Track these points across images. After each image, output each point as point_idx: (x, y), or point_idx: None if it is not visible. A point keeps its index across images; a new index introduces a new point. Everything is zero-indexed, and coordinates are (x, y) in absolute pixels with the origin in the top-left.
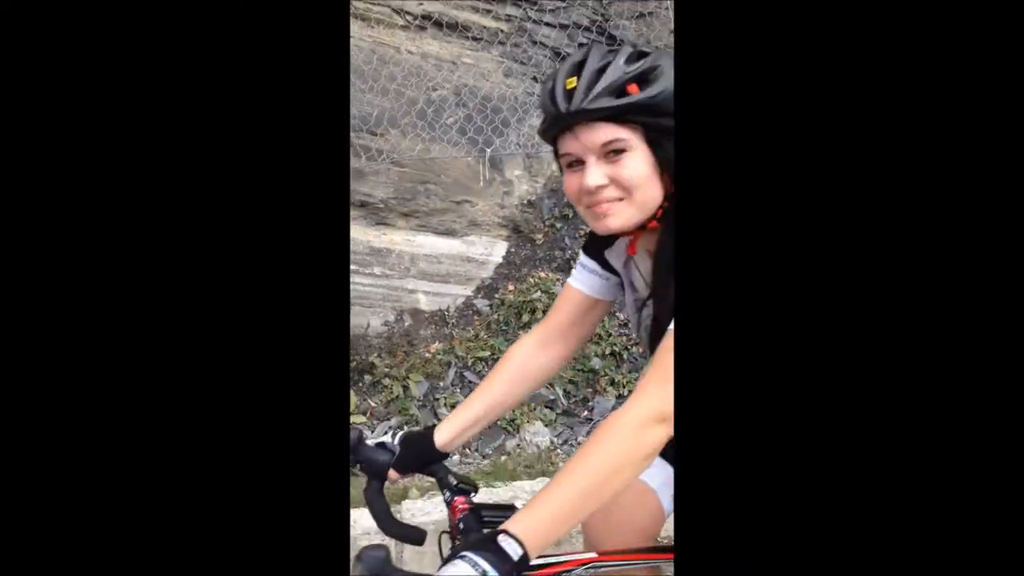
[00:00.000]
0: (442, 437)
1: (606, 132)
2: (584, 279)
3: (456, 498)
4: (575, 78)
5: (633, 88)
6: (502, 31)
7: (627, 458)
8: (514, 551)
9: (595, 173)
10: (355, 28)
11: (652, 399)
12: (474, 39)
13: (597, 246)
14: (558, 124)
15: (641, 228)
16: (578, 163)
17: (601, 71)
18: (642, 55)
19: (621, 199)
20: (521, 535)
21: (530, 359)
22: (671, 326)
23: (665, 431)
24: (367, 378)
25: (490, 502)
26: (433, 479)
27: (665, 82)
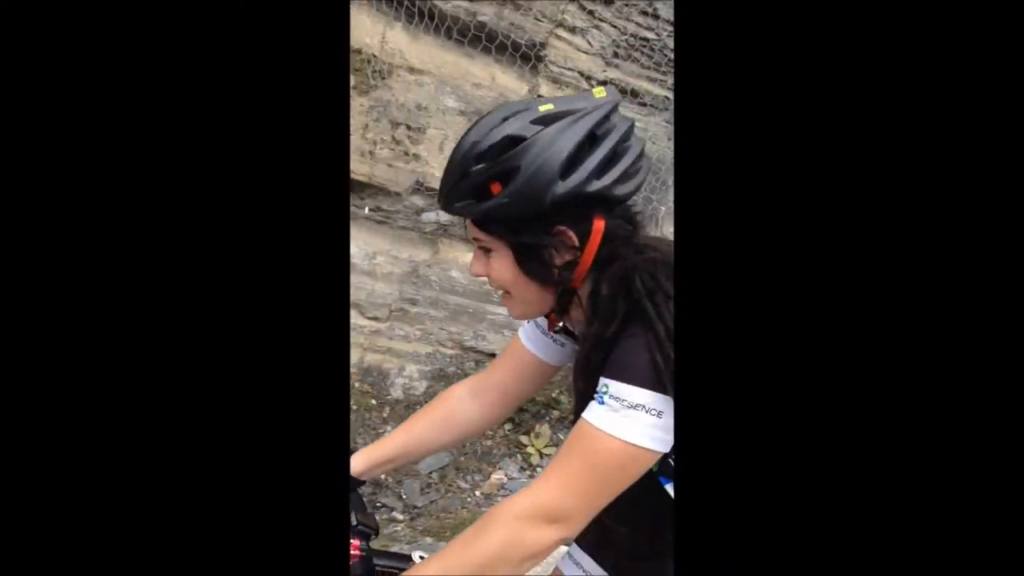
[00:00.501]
0: (356, 465)
1: (473, 229)
2: (534, 338)
3: (353, 540)
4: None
5: (496, 187)
6: (667, 98)
7: (502, 556)
8: None
9: (475, 263)
10: (544, 90)
11: (543, 495)
12: (642, 104)
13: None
14: None
15: (555, 315)
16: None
17: (462, 164)
18: (516, 141)
19: (507, 292)
20: None
21: (461, 407)
22: (584, 416)
23: (555, 533)
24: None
25: (386, 550)
26: None
27: (515, 186)
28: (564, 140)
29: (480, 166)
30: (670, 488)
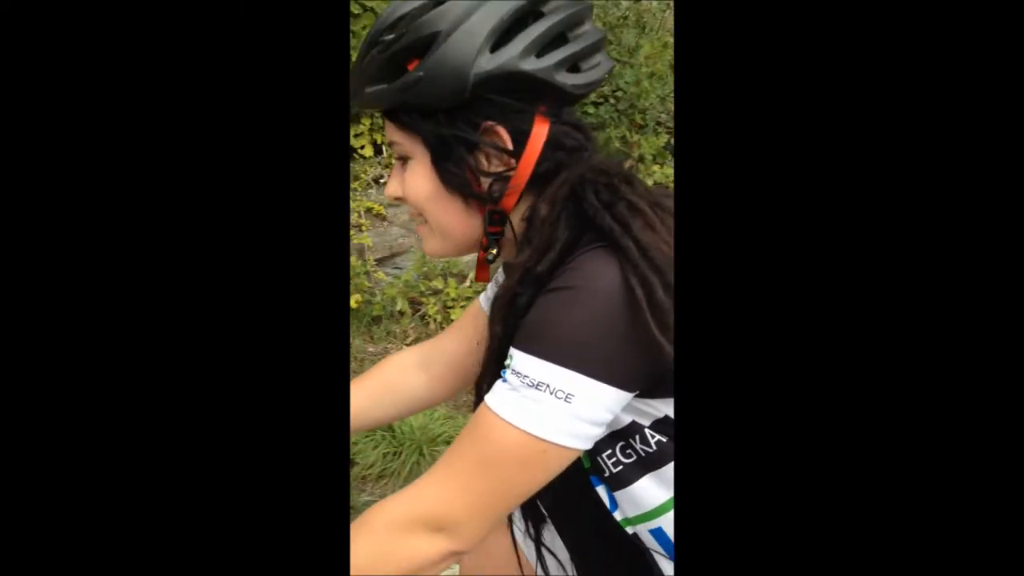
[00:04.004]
0: None
1: (389, 130)
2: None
3: None
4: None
5: (413, 63)
6: None
7: (378, 570)
8: None
9: (392, 181)
10: None
11: (426, 496)
12: None
13: None
14: None
15: (483, 250)
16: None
17: (370, 43)
18: (436, 3)
19: (425, 221)
20: None
21: (406, 377)
22: (483, 403)
23: (441, 544)
24: None
25: None
26: None
27: (437, 58)
28: (496, 5)
29: (392, 35)
30: (602, 491)
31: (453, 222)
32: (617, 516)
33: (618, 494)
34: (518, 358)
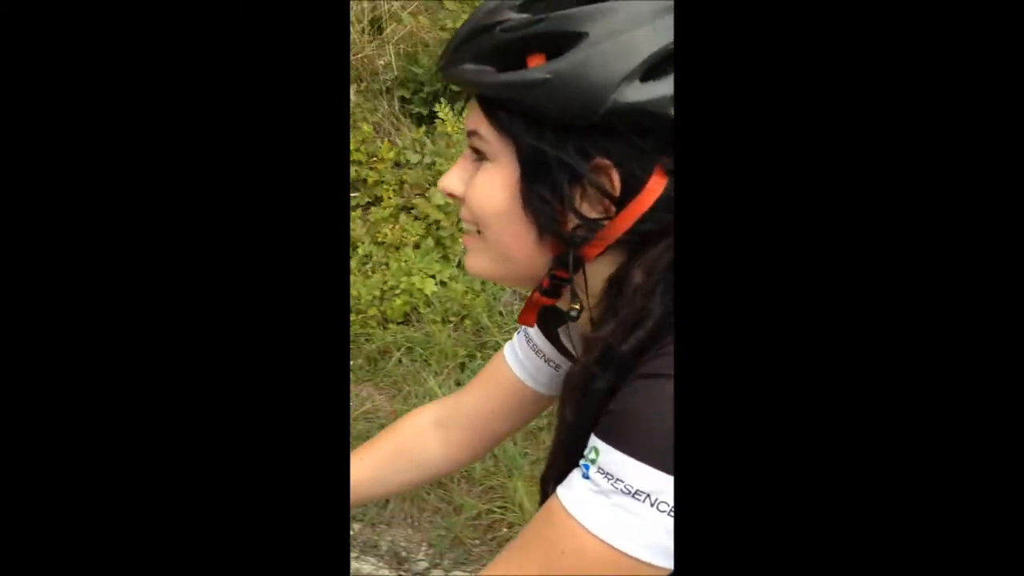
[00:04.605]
0: None
1: (474, 115)
2: (523, 355)
3: None
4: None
5: (536, 59)
6: None
7: None
8: None
9: (452, 174)
10: None
11: None
12: None
13: (551, 316)
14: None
15: (541, 293)
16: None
17: (491, 15)
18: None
19: (478, 232)
20: None
21: (420, 440)
22: (558, 491)
23: None
24: None
25: None
26: None
27: (574, 59)
28: (661, 26)
29: (522, 16)
30: None
31: (517, 250)
32: None
33: None
34: (608, 455)
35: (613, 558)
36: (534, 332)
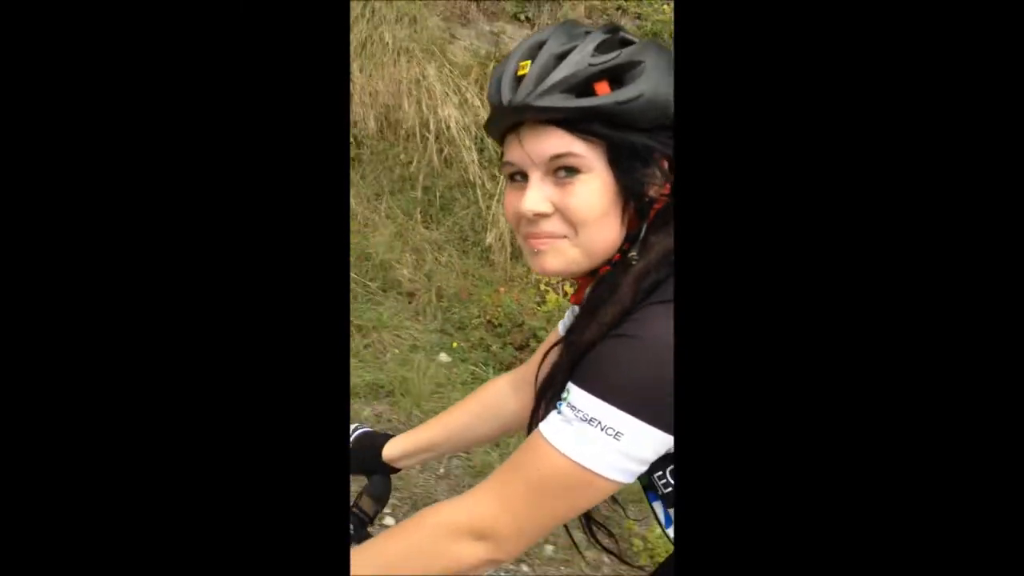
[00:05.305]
0: (391, 450)
1: (557, 142)
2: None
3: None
4: (530, 61)
5: (602, 87)
6: None
7: (415, 561)
8: None
9: (535, 195)
10: None
11: (475, 507)
12: None
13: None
14: (501, 120)
15: (591, 274)
16: (521, 176)
17: (562, 57)
18: (624, 43)
19: (565, 236)
20: None
21: (502, 399)
22: (537, 430)
23: (481, 552)
24: None
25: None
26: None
27: (646, 84)
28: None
29: (604, 57)
30: (658, 507)
31: (607, 240)
32: (671, 532)
33: (672, 511)
34: (575, 393)
35: (574, 470)
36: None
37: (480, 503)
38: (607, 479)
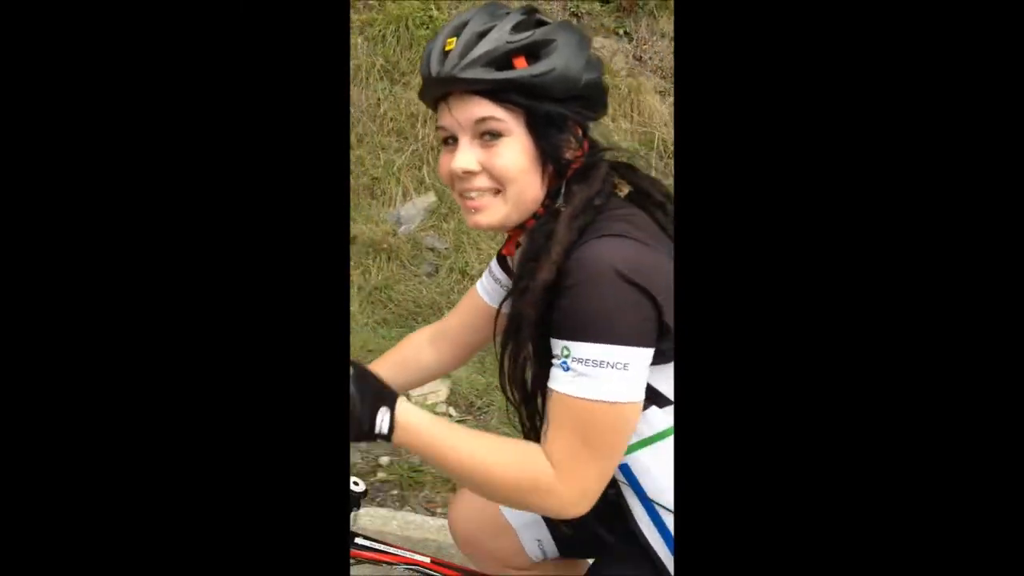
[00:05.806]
0: None
1: (481, 108)
2: (488, 286)
3: None
4: (455, 38)
5: (519, 61)
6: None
7: (504, 485)
8: (382, 422)
9: (465, 156)
10: None
11: (577, 475)
12: None
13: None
14: (432, 90)
15: (520, 227)
16: (452, 140)
17: (483, 35)
18: (539, 24)
19: (496, 192)
20: (400, 420)
21: (418, 353)
22: (556, 388)
23: (573, 511)
24: None
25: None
26: None
27: (558, 59)
28: (581, 31)
29: (520, 35)
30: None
31: (532, 194)
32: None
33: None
34: (577, 348)
35: (609, 409)
36: (493, 266)
37: (581, 471)
38: (634, 403)
